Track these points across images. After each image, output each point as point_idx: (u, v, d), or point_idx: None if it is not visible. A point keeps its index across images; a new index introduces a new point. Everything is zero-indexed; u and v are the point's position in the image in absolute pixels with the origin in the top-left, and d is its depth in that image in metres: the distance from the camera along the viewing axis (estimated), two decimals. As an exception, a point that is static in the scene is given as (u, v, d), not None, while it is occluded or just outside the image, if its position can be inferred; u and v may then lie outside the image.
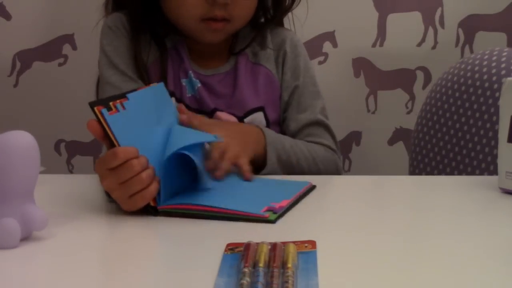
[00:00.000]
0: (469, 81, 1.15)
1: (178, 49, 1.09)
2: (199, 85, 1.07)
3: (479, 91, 1.13)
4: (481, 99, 1.12)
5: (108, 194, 0.77)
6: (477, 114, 1.13)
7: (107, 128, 0.74)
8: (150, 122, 0.80)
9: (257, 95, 1.09)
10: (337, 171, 1.08)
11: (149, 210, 0.75)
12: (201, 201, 0.76)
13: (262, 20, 1.15)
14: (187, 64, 1.08)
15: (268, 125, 1.08)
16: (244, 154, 0.91)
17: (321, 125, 1.09)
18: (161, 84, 0.87)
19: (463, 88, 1.16)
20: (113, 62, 1.06)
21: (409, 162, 1.29)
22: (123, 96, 0.77)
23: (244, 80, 1.09)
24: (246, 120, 1.07)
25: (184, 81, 1.07)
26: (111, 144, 0.74)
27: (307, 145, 1.05)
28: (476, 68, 1.15)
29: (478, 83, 1.13)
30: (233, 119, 1.06)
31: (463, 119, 1.15)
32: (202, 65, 1.09)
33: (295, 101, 1.10)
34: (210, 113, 1.06)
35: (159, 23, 1.09)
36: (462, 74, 1.17)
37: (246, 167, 0.89)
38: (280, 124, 1.12)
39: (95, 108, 0.73)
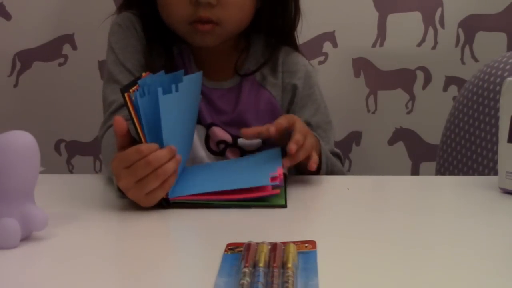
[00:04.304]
0: (491, 86, 1.14)
1: (184, 57, 1.07)
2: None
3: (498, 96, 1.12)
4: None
5: (120, 190, 0.77)
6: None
7: (133, 115, 0.74)
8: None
9: (257, 119, 1.05)
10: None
11: (161, 202, 0.76)
12: (208, 187, 0.77)
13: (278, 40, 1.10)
14: (190, 73, 1.05)
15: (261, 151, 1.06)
16: (315, 148, 0.93)
17: (336, 155, 1.08)
18: (181, 72, 0.85)
19: (485, 93, 1.15)
20: (120, 60, 1.04)
21: (436, 162, 1.28)
22: (134, 83, 0.77)
23: (247, 101, 1.06)
24: (239, 141, 1.04)
25: None
26: (129, 140, 0.75)
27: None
28: (499, 73, 1.14)
29: (497, 88, 1.13)
30: (227, 137, 1.04)
31: (493, 121, 1.13)
32: (206, 75, 1.05)
33: None
34: (207, 127, 1.05)
35: (169, 31, 1.06)
36: (487, 79, 1.16)
37: (315, 157, 0.90)
38: None
39: (125, 94, 0.74)
